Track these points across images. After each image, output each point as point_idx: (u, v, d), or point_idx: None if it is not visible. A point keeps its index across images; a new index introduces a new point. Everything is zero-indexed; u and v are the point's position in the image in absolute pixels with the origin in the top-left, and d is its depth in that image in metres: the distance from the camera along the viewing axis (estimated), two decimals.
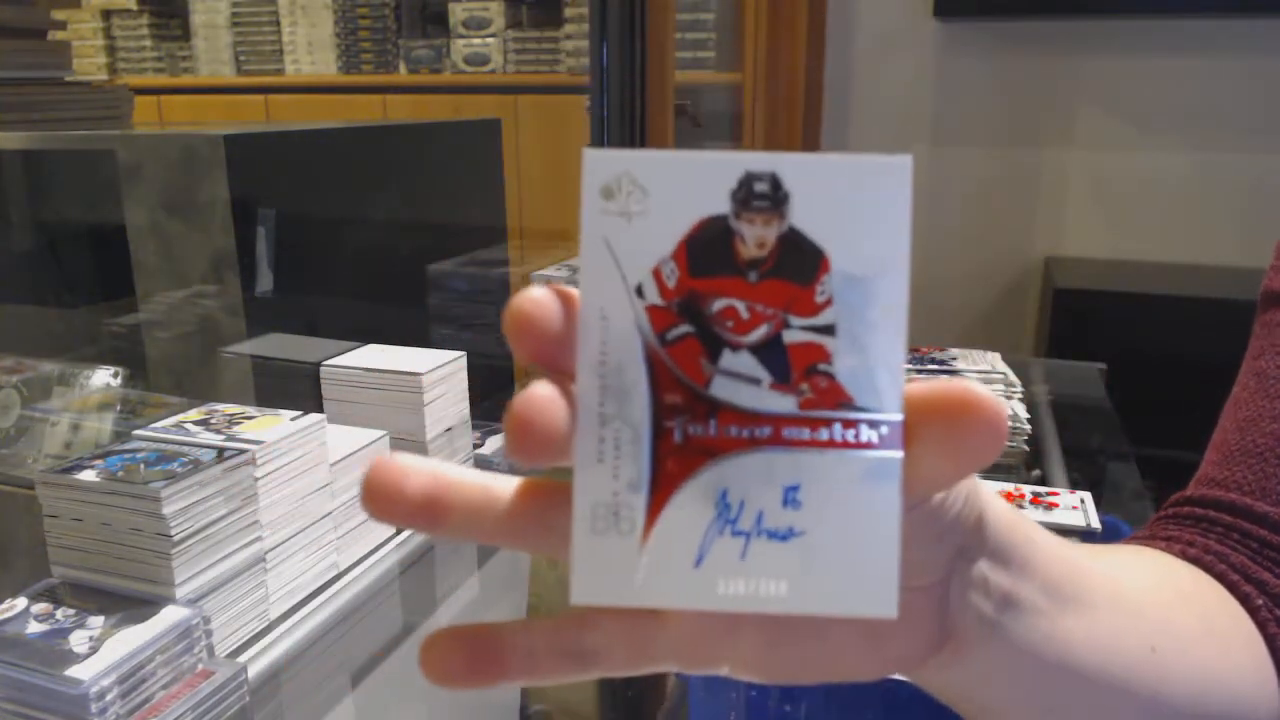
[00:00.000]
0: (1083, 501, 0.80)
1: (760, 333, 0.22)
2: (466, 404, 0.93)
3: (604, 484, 0.21)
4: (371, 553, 0.81)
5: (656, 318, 0.22)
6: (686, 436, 0.21)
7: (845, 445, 0.21)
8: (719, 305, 0.22)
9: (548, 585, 0.88)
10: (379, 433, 0.82)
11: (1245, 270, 1.99)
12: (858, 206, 0.21)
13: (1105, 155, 2.12)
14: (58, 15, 1.28)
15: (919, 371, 1.08)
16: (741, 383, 0.22)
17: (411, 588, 0.84)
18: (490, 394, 1.00)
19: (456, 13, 2.56)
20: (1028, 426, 1.00)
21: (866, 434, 0.21)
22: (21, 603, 0.61)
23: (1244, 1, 1.96)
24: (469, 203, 1.42)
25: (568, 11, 2.47)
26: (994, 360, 1.12)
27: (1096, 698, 0.31)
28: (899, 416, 0.21)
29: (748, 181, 0.21)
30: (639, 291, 0.22)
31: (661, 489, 0.21)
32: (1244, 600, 0.39)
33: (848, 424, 0.21)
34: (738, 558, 0.21)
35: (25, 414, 0.89)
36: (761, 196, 0.21)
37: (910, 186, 0.21)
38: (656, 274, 0.22)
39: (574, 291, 0.22)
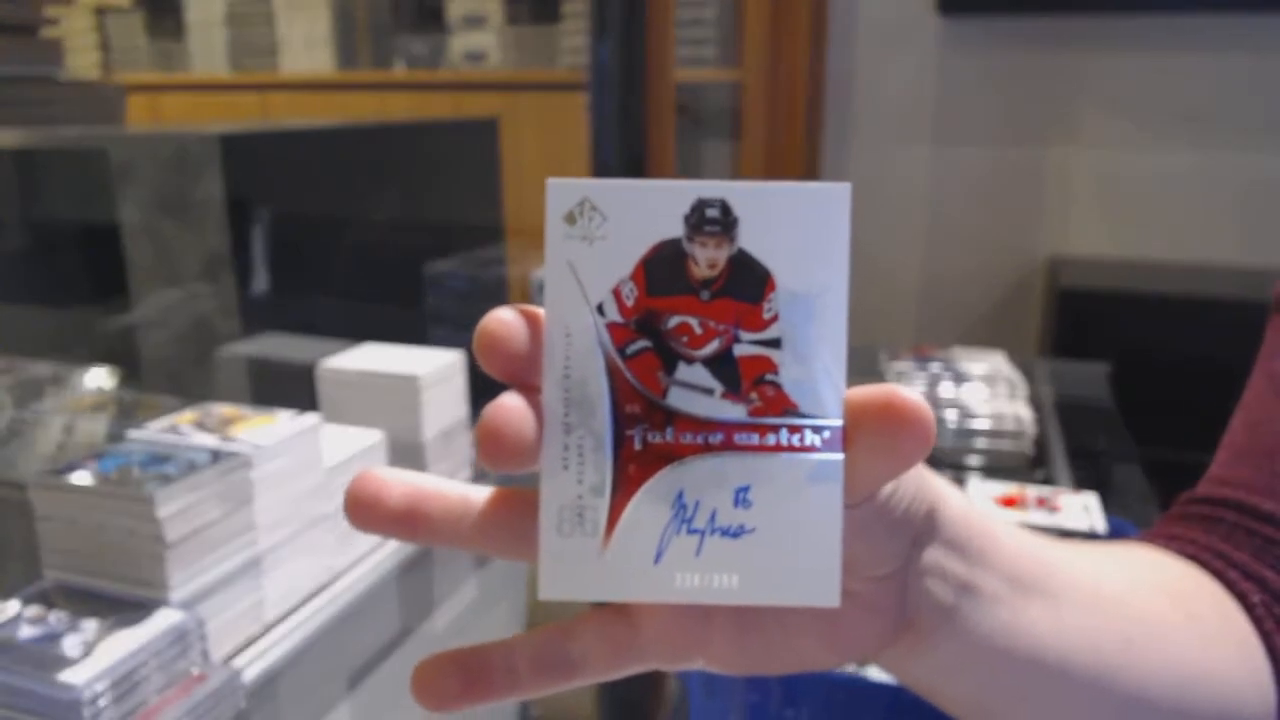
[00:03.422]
0: (1088, 503, 0.80)
1: (713, 347, 0.24)
2: (464, 404, 0.93)
3: (569, 488, 0.23)
4: (368, 555, 0.80)
5: (617, 334, 0.24)
6: (645, 443, 0.24)
7: (791, 449, 0.23)
8: (674, 322, 0.24)
9: None
10: (376, 434, 0.81)
11: (1251, 270, 1.98)
12: (801, 230, 0.23)
13: (1110, 154, 2.12)
14: (49, 12, 1.27)
15: (922, 372, 1.08)
16: (696, 393, 0.24)
17: (409, 590, 0.83)
18: (488, 394, 0.99)
19: (454, 9, 2.56)
20: (1033, 428, 1.00)
21: (810, 438, 0.23)
22: (14, 606, 0.60)
23: None
24: (467, 201, 1.42)
25: (566, 7, 2.47)
26: (998, 361, 1.11)
27: (1070, 689, 0.32)
28: (839, 422, 0.23)
29: (699, 207, 0.23)
30: (600, 310, 0.23)
31: (623, 492, 0.23)
32: (1241, 598, 0.39)
33: (793, 429, 0.23)
34: (693, 554, 0.23)
35: (17, 415, 0.89)
36: (712, 221, 0.23)
37: (849, 212, 0.23)
38: (616, 293, 0.23)
39: (539, 311, 0.24)
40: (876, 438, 0.23)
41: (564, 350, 0.23)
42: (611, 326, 0.23)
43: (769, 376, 0.23)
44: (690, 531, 0.23)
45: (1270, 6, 1.94)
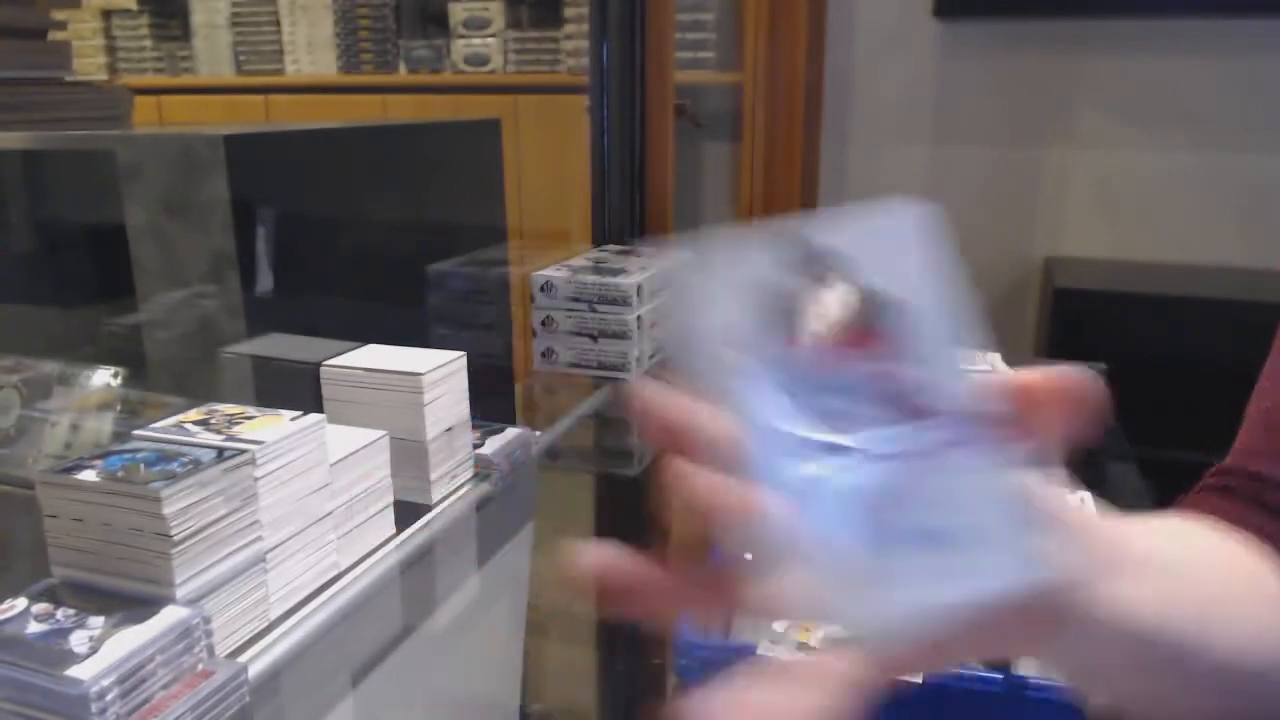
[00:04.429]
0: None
1: (856, 375, 0.25)
2: (467, 404, 0.93)
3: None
4: (371, 553, 0.81)
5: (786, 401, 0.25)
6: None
7: (959, 450, 0.25)
8: (818, 361, 0.25)
9: (548, 586, 0.87)
10: (379, 433, 0.81)
11: (1246, 271, 1.99)
12: (903, 255, 0.25)
13: (1106, 155, 2.12)
14: (58, 15, 1.28)
15: None
16: (856, 421, 0.25)
17: (411, 588, 0.84)
18: (490, 394, 1.00)
19: (456, 13, 2.56)
20: None
21: (971, 436, 0.25)
22: (21, 603, 0.60)
23: (1246, 2, 1.96)
24: (469, 203, 1.42)
25: (568, 11, 2.47)
26: (994, 361, 1.12)
27: (1164, 661, 0.32)
28: (988, 414, 0.25)
29: (802, 252, 0.25)
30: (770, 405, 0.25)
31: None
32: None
33: (948, 432, 0.25)
34: (896, 567, 0.25)
35: (25, 414, 0.89)
36: (819, 264, 0.25)
37: (934, 227, 0.25)
38: (782, 363, 0.25)
39: (687, 397, 0.26)
40: (1056, 418, 0.25)
41: (761, 444, 0.25)
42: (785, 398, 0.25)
43: (917, 390, 0.25)
44: (887, 546, 0.25)
45: (1265, 10, 1.94)
